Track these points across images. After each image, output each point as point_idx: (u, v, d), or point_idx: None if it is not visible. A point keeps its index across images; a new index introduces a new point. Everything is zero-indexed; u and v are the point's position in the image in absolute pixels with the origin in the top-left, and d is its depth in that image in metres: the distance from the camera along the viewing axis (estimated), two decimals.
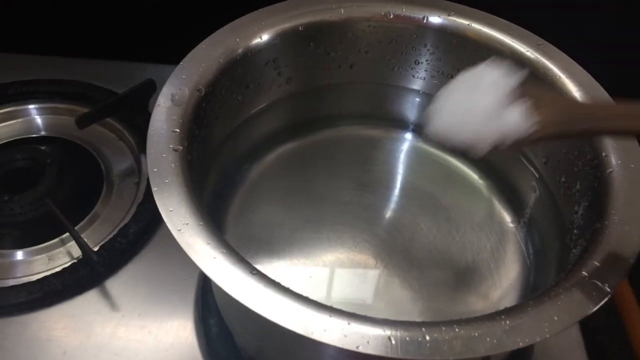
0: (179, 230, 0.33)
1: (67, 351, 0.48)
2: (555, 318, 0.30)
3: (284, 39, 0.46)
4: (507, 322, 0.30)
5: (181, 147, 0.37)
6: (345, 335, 0.29)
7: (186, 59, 0.42)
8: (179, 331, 0.49)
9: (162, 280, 0.52)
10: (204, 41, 0.43)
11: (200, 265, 0.31)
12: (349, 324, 0.30)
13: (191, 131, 0.39)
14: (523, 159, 0.48)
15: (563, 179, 0.43)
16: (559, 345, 0.49)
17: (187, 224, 0.33)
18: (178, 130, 0.38)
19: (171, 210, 0.34)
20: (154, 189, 0.34)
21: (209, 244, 0.33)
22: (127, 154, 0.63)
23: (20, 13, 0.71)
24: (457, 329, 0.30)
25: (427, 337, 0.29)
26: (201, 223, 0.33)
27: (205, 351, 0.47)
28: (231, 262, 0.32)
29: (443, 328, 0.30)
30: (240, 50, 0.44)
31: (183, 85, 0.41)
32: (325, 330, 0.30)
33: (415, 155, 0.52)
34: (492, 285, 0.44)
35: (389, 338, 0.29)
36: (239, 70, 0.45)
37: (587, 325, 0.51)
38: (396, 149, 0.53)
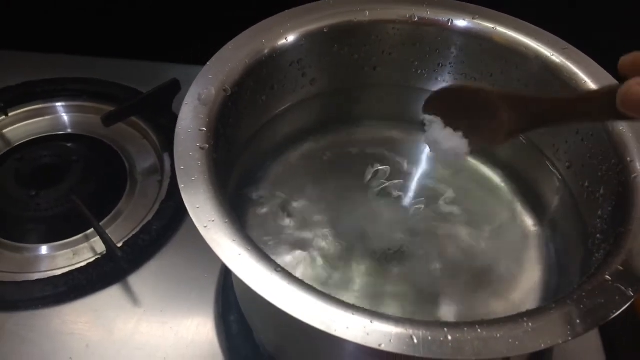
0: (205, 226, 0.33)
1: (90, 345, 0.48)
2: (578, 321, 0.30)
3: (309, 41, 0.47)
4: (530, 324, 0.30)
5: (207, 146, 0.38)
6: (367, 334, 0.30)
7: (213, 59, 0.43)
8: (199, 327, 0.50)
9: (183, 276, 0.53)
10: (230, 42, 0.44)
11: (225, 262, 0.32)
12: (371, 322, 0.30)
13: (217, 130, 0.40)
14: (547, 163, 0.47)
15: (586, 184, 0.43)
16: (578, 349, 0.49)
17: (213, 220, 0.34)
18: (205, 129, 0.39)
19: (198, 207, 0.34)
20: (181, 186, 0.35)
21: (234, 241, 0.33)
22: (150, 152, 0.64)
23: (50, 13, 0.72)
24: (479, 330, 0.30)
25: (450, 337, 0.29)
26: (227, 220, 0.34)
27: (225, 347, 0.48)
28: (256, 259, 0.32)
29: (465, 328, 0.30)
30: (266, 51, 0.45)
31: (210, 85, 0.41)
32: (347, 328, 0.30)
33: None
34: (514, 288, 0.44)
35: (412, 337, 0.29)
36: (265, 71, 0.45)
37: (606, 330, 0.50)
38: (419, 151, 0.53)
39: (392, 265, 0.45)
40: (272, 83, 0.47)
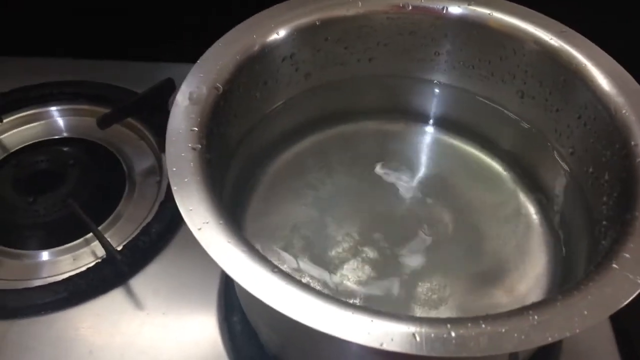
0: (199, 229, 0.33)
1: (93, 350, 0.48)
2: (585, 312, 0.29)
3: (301, 35, 0.46)
4: (535, 317, 0.29)
5: (200, 146, 0.37)
6: (368, 333, 0.29)
7: (203, 57, 0.42)
8: (202, 329, 0.49)
9: (185, 278, 0.52)
10: (221, 39, 0.43)
11: (221, 264, 0.31)
12: (372, 321, 0.29)
13: (209, 129, 0.39)
14: (550, 149, 0.46)
15: (591, 170, 0.42)
16: (589, 340, 0.48)
17: (207, 222, 0.33)
18: (196, 129, 0.38)
19: (191, 210, 0.33)
20: (173, 188, 0.34)
21: (229, 242, 0.32)
22: (148, 153, 0.63)
23: (40, 17, 0.71)
24: (483, 325, 0.29)
25: (453, 334, 0.29)
26: (221, 222, 0.33)
27: (230, 348, 0.47)
28: (252, 260, 0.32)
29: (469, 324, 0.29)
30: (257, 47, 0.44)
31: (201, 84, 0.40)
32: (348, 328, 0.29)
33: (438, 148, 0.52)
34: (518, 279, 0.44)
35: (414, 335, 0.29)
36: (257, 67, 0.44)
37: (618, 319, 0.49)
38: (418, 142, 0.52)
39: (391, 259, 0.44)
40: (265, 79, 0.46)
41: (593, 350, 0.48)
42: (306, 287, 0.31)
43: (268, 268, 0.31)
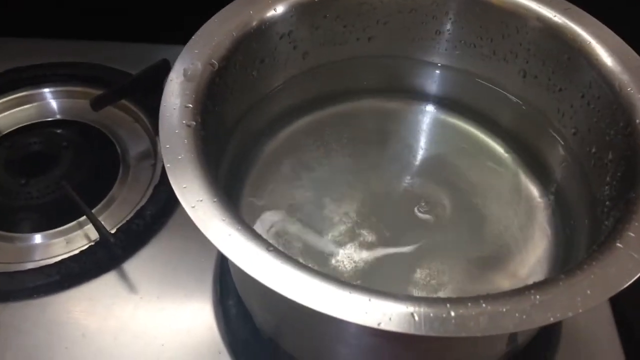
0: (193, 207, 0.32)
1: (86, 333, 0.47)
2: (589, 292, 0.29)
3: (299, 11, 0.45)
4: (537, 296, 0.28)
5: (194, 123, 0.36)
6: (366, 312, 0.28)
7: (198, 33, 0.41)
8: (197, 312, 0.48)
9: (180, 261, 0.52)
10: (217, 15, 0.42)
11: (215, 242, 0.30)
12: (370, 300, 0.29)
13: (205, 107, 0.38)
14: (551, 130, 0.46)
15: (594, 150, 0.41)
16: (588, 324, 0.48)
17: (201, 200, 0.32)
18: (191, 106, 0.37)
19: (185, 187, 0.33)
20: (166, 165, 0.33)
21: (223, 220, 0.31)
22: (143, 135, 0.62)
23: None
24: (483, 305, 0.28)
25: (452, 313, 0.28)
26: (215, 200, 0.32)
27: (225, 332, 0.47)
28: (247, 238, 0.31)
29: (469, 304, 0.28)
30: (254, 23, 0.43)
31: (196, 60, 0.39)
32: (345, 307, 0.28)
33: (438, 128, 0.51)
34: (520, 262, 0.43)
35: (412, 314, 0.28)
36: (253, 44, 0.43)
37: (618, 301, 0.49)
38: (418, 122, 0.51)
39: (390, 241, 0.44)
40: (262, 57, 0.45)
41: (593, 334, 0.47)
42: (302, 266, 0.30)
43: (263, 246, 0.31)
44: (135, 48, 0.70)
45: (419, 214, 0.45)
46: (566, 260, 0.42)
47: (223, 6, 0.43)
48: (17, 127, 0.63)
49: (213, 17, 0.42)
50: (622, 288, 0.29)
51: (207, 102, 0.38)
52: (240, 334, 0.46)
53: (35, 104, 0.65)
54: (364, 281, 0.42)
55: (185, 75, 0.38)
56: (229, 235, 0.31)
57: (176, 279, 0.50)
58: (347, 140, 0.49)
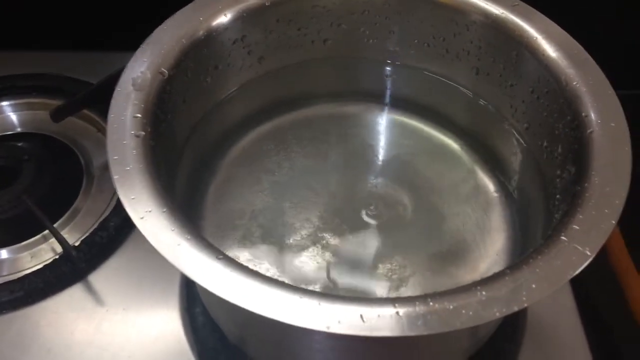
0: (142, 218, 0.32)
1: (52, 348, 0.47)
2: (534, 286, 0.29)
3: (250, 16, 0.45)
4: (483, 292, 0.29)
5: (143, 133, 0.36)
6: (315, 316, 0.28)
7: (147, 41, 0.41)
8: (164, 322, 0.48)
9: (145, 272, 0.51)
10: (166, 22, 0.42)
11: (162, 253, 0.30)
12: (319, 304, 0.29)
13: (155, 116, 0.38)
14: (505, 126, 0.46)
15: (545, 144, 0.42)
16: (550, 310, 0.48)
17: (150, 211, 0.32)
18: (140, 116, 0.37)
19: (133, 198, 0.33)
20: (114, 177, 0.33)
21: (172, 230, 0.31)
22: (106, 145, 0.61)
23: None
24: (431, 303, 0.29)
25: (400, 313, 0.28)
26: (165, 210, 0.32)
27: (192, 341, 0.47)
28: (197, 248, 0.31)
29: (417, 303, 0.29)
30: (204, 30, 0.43)
31: (145, 69, 0.39)
32: (295, 312, 0.28)
33: (395, 129, 0.51)
34: (479, 257, 0.43)
35: (361, 316, 0.28)
36: (205, 51, 0.43)
37: (581, 289, 0.50)
38: (375, 123, 0.51)
39: (351, 241, 0.44)
40: (216, 63, 0.45)
41: (556, 322, 0.48)
42: (253, 273, 0.30)
43: (213, 255, 0.31)
44: (95, 57, 0.69)
45: (380, 214, 0.46)
46: (524, 253, 0.43)
47: (176, 9, 0.43)
48: None
49: (162, 25, 0.42)
50: (566, 281, 0.29)
51: (157, 111, 0.38)
52: (208, 342, 0.46)
53: None
54: (328, 281, 0.42)
55: (134, 84, 0.38)
56: (178, 245, 0.31)
57: (142, 289, 0.50)
58: (307, 143, 0.50)
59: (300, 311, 0.29)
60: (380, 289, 0.42)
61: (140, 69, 0.39)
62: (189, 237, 0.31)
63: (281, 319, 0.28)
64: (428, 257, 0.44)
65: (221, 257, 0.31)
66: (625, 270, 0.56)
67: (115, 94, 0.37)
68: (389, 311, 0.28)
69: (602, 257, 0.47)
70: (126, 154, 0.34)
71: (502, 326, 0.44)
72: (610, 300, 0.56)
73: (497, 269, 0.41)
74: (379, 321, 0.28)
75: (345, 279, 0.43)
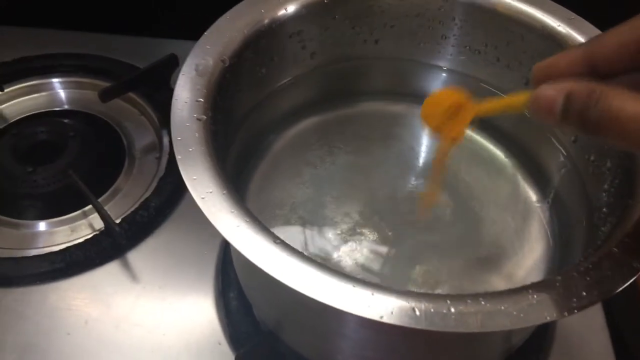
0: (203, 198, 0.33)
1: (89, 321, 0.48)
2: (584, 293, 0.29)
3: (309, 11, 0.46)
4: (534, 296, 0.29)
5: (205, 117, 0.37)
6: (368, 306, 0.29)
7: (211, 29, 0.42)
8: (198, 304, 0.49)
9: (182, 253, 0.52)
10: (228, 12, 0.43)
11: (223, 233, 0.31)
12: (372, 294, 0.29)
13: (215, 101, 0.39)
14: (552, 137, 0.46)
15: (592, 158, 0.42)
16: (581, 327, 0.49)
17: (210, 192, 0.33)
18: (202, 100, 0.38)
19: (195, 179, 0.33)
20: (177, 157, 0.34)
21: (232, 212, 0.32)
22: (149, 129, 0.63)
23: None
24: (482, 302, 0.29)
25: (453, 309, 0.29)
26: (224, 192, 0.33)
27: (225, 324, 0.48)
28: (254, 230, 0.32)
29: (469, 301, 0.29)
30: (265, 22, 0.44)
31: (207, 56, 0.40)
32: (348, 300, 0.29)
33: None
34: (516, 265, 0.44)
35: (414, 309, 0.29)
36: (263, 42, 0.44)
37: (610, 307, 0.50)
38: (419, 126, 0.52)
39: (390, 241, 0.44)
40: (272, 55, 0.46)
41: (585, 340, 0.48)
42: (308, 259, 0.31)
43: (270, 239, 0.31)
44: (144, 42, 0.71)
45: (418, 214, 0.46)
46: (562, 265, 0.43)
47: (233, 4, 0.44)
48: (25, 115, 0.63)
49: (225, 14, 0.43)
50: (617, 291, 0.30)
51: (217, 97, 0.39)
52: (240, 326, 0.47)
53: (43, 93, 0.66)
54: (363, 277, 0.43)
55: (196, 70, 0.39)
56: (237, 226, 0.32)
57: (178, 270, 0.51)
58: (351, 140, 0.50)
59: (354, 299, 0.29)
60: (416, 289, 0.43)
61: (203, 56, 0.40)
62: (247, 220, 0.32)
63: (335, 305, 0.29)
64: (465, 262, 0.44)
65: (278, 241, 0.31)
66: None
67: (179, 78, 0.38)
68: (441, 306, 0.29)
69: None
70: (189, 136, 0.35)
71: (531, 338, 0.44)
72: (636, 320, 0.56)
73: (533, 278, 0.43)
74: (431, 315, 0.29)
75: (381, 277, 0.43)
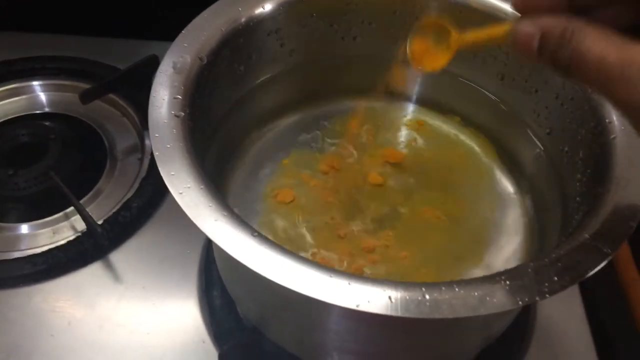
0: (181, 193, 0.33)
1: (72, 322, 0.48)
2: (555, 278, 0.30)
3: (286, 9, 0.46)
4: (507, 282, 0.30)
5: (183, 114, 0.37)
6: (345, 295, 0.29)
7: (188, 27, 0.42)
8: (182, 303, 0.49)
9: (165, 253, 0.53)
10: (206, 10, 0.43)
11: (201, 227, 0.31)
12: (349, 283, 0.30)
13: (193, 99, 0.39)
14: (527, 130, 0.47)
15: (566, 149, 0.43)
16: (560, 312, 0.50)
17: (188, 187, 0.33)
18: (180, 97, 0.38)
19: (172, 174, 0.34)
20: (155, 153, 0.34)
21: (210, 206, 0.33)
22: (130, 130, 0.63)
23: None
24: (457, 289, 0.30)
25: (427, 297, 0.29)
26: (202, 186, 0.33)
27: (209, 322, 0.48)
28: (232, 224, 0.32)
29: (443, 288, 0.30)
30: (242, 20, 0.44)
31: (185, 53, 0.41)
32: (325, 290, 0.30)
33: (419, 127, 0.52)
34: (495, 255, 0.44)
35: (389, 297, 0.29)
36: (241, 40, 0.44)
37: (590, 299, 0.51)
38: (399, 120, 0.52)
39: (370, 232, 0.45)
40: (250, 53, 0.46)
41: (565, 327, 0.49)
42: (285, 251, 0.31)
43: (248, 232, 0.32)
44: (124, 44, 0.71)
45: (398, 208, 0.47)
46: (539, 254, 0.44)
47: (210, 3, 0.45)
48: (5, 118, 0.63)
49: (202, 13, 0.43)
50: (587, 276, 0.30)
51: (195, 94, 0.39)
52: (223, 324, 0.47)
53: (24, 96, 0.66)
54: (340, 266, 0.43)
55: (174, 67, 0.40)
56: (215, 220, 0.32)
57: (161, 270, 0.52)
58: (330, 136, 0.51)
59: (331, 289, 0.30)
60: (394, 277, 0.43)
61: (181, 54, 0.40)
62: (225, 214, 0.32)
63: (313, 295, 0.29)
64: (444, 253, 0.45)
65: (256, 234, 0.32)
66: (631, 281, 0.57)
67: (157, 75, 0.39)
68: (416, 294, 0.29)
69: (610, 267, 0.49)
70: (167, 133, 0.36)
71: (511, 327, 0.45)
72: (615, 310, 0.56)
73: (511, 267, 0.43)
74: (406, 303, 0.29)
75: (360, 269, 0.44)
